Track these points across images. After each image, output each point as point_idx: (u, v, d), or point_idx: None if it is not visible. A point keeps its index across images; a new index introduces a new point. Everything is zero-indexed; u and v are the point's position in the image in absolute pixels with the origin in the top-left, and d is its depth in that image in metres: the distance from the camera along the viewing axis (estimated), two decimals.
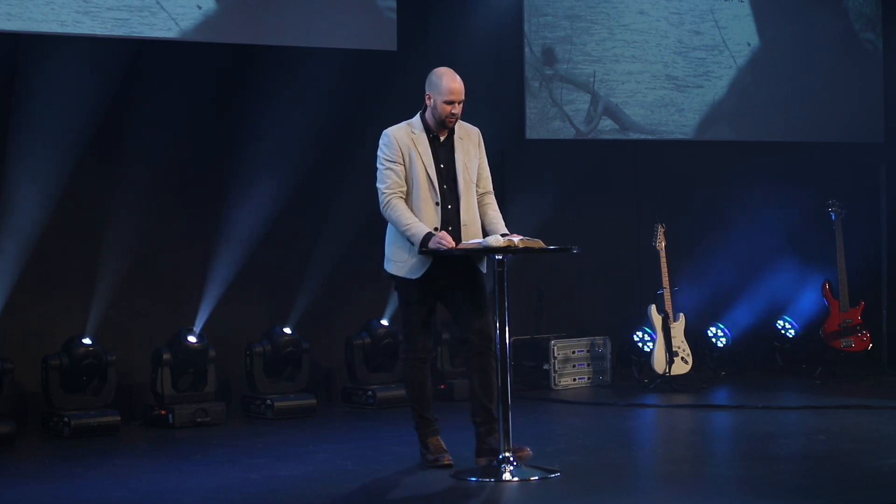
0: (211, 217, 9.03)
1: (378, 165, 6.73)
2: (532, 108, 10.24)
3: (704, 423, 8.51)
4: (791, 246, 10.92)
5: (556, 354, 9.86)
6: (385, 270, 6.83)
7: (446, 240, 6.54)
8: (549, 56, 10.29)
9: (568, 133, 10.37)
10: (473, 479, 6.46)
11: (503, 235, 6.58)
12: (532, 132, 10.25)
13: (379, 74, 9.55)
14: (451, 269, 6.71)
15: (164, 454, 7.53)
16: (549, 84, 10.30)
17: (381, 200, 6.70)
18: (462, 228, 6.71)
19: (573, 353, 9.95)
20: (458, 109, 6.69)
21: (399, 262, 6.72)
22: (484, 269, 6.79)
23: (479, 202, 6.84)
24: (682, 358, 9.77)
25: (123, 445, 7.86)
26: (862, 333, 10.28)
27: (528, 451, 6.64)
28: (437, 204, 6.69)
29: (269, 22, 9.06)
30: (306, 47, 9.25)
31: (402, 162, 6.69)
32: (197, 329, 8.64)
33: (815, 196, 10.67)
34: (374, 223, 7.12)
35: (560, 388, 9.83)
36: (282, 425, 8.39)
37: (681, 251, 10.22)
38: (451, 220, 6.71)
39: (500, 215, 6.89)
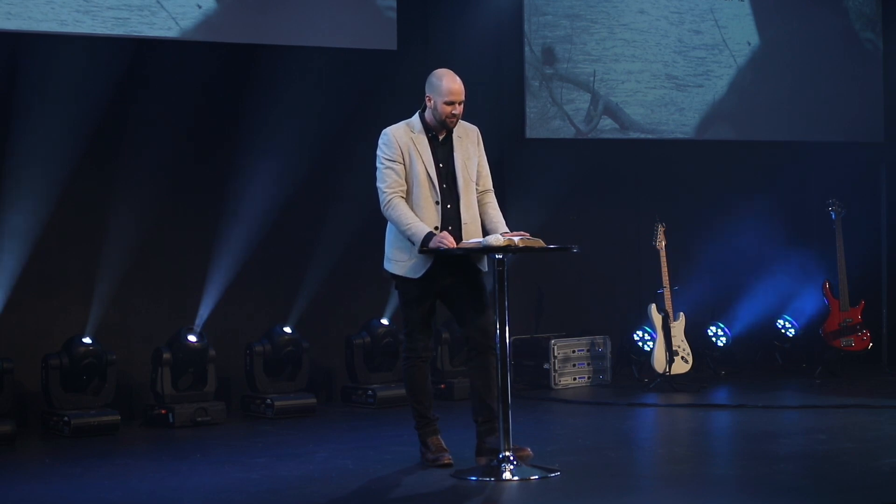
0: (211, 217, 9.03)
1: (378, 165, 6.73)
2: (532, 108, 10.23)
3: (704, 422, 8.52)
4: (791, 246, 10.92)
5: (556, 354, 9.86)
6: (385, 270, 6.83)
7: (447, 239, 6.54)
8: (549, 55, 10.29)
9: (568, 132, 10.37)
10: (474, 478, 6.46)
11: (503, 234, 6.58)
12: (532, 131, 10.24)
13: (379, 74, 9.54)
14: (451, 268, 6.71)
15: (164, 454, 7.53)
16: (549, 83, 10.30)
17: (381, 200, 6.70)
18: (462, 227, 6.71)
19: (573, 352, 9.95)
20: (458, 110, 6.69)
21: (400, 261, 6.72)
22: (484, 269, 6.80)
23: (479, 201, 6.84)
24: (682, 357, 9.77)
25: (123, 445, 7.86)
26: (862, 333, 10.28)
27: (529, 452, 6.64)
28: (437, 203, 6.69)
29: (269, 21, 9.06)
30: (306, 47, 9.25)
31: (401, 161, 6.69)
32: (197, 329, 8.64)
33: (815, 196, 10.67)
34: (374, 223, 7.12)
35: (560, 387, 9.83)
36: (282, 425, 8.38)
37: (681, 250, 10.22)
38: (451, 218, 6.71)
39: (500, 214, 6.89)
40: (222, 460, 7.21)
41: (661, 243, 9.71)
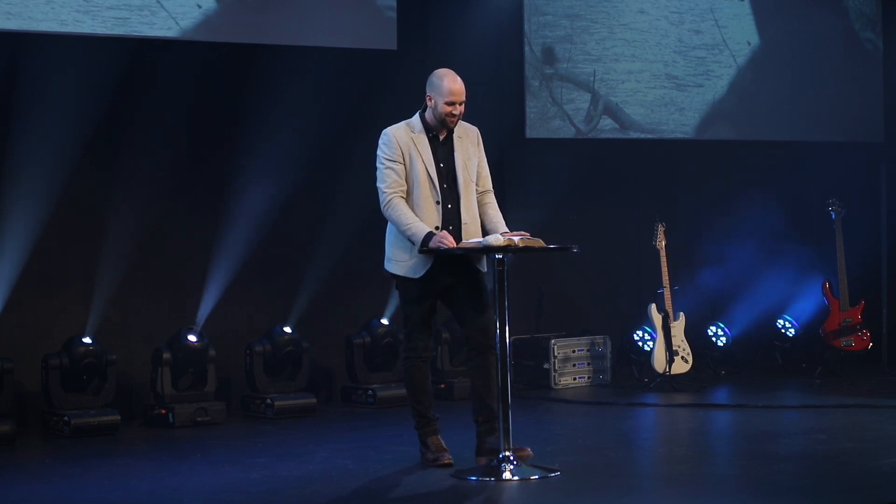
0: (211, 216, 9.03)
1: (378, 165, 6.74)
2: (532, 108, 10.23)
3: (704, 422, 8.52)
4: (791, 246, 10.92)
5: (556, 353, 9.86)
6: (385, 270, 6.83)
7: (447, 239, 6.54)
8: (549, 55, 10.29)
9: (568, 132, 10.37)
10: (474, 478, 6.46)
11: (503, 234, 6.58)
12: (532, 131, 10.24)
13: (379, 74, 9.54)
14: (452, 268, 6.71)
15: (164, 454, 7.53)
16: (549, 83, 10.30)
17: (381, 200, 6.70)
18: (462, 227, 6.71)
19: (573, 352, 9.94)
20: (459, 110, 6.69)
21: (400, 261, 6.72)
22: (484, 269, 6.80)
23: (479, 201, 6.85)
24: (682, 357, 9.76)
25: (123, 445, 7.86)
26: (862, 332, 10.28)
27: (529, 452, 6.64)
28: (437, 203, 6.69)
29: (269, 21, 9.06)
30: (306, 47, 9.25)
31: (402, 161, 6.69)
32: (197, 329, 8.64)
33: (815, 196, 10.67)
34: (374, 223, 7.12)
35: (560, 387, 9.83)
36: (282, 425, 8.38)
37: (681, 250, 10.22)
38: (451, 218, 6.71)
39: (500, 214, 6.89)
40: (222, 460, 7.21)
41: (661, 243, 9.71)
